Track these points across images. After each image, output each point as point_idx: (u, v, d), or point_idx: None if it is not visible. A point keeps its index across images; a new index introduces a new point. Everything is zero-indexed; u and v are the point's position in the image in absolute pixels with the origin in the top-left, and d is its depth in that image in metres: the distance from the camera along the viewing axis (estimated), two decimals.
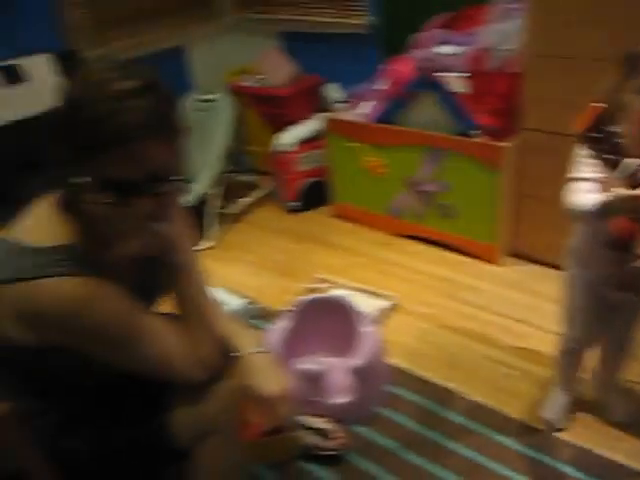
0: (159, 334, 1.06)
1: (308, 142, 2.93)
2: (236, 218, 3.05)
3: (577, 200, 1.24)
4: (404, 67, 2.51)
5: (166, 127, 0.93)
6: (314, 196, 3.04)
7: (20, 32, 2.42)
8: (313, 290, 2.34)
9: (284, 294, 2.33)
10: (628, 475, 1.54)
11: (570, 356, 1.63)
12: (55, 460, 1.13)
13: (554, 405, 1.71)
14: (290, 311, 1.91)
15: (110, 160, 0.87)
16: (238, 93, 3.07)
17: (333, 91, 3.09)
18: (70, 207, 0.98)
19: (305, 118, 3.01)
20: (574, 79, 1.99)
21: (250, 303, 2.31)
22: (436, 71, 2.38)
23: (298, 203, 3.04)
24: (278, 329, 1.85)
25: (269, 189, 3.22)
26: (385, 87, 2.60)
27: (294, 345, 1.84)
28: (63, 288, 0.93)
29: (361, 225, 2.88)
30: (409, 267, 2.53)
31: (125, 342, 1.02)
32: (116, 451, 1.13)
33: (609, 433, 1.66)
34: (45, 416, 1.14)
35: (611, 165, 1.18)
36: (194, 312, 1.12)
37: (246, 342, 1.18)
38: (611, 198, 1.17)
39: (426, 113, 2.39)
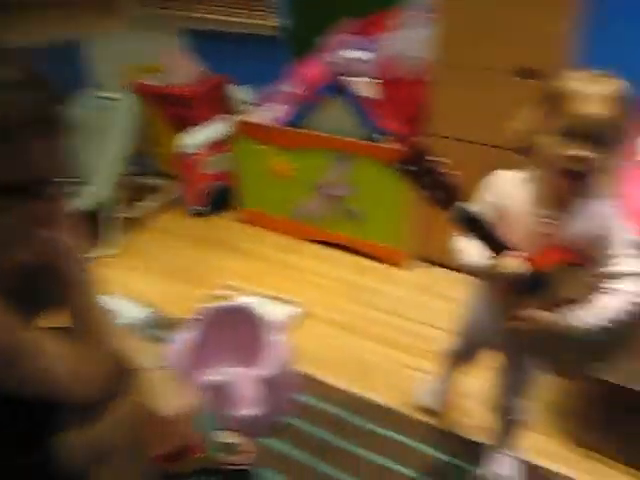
0: (44, 350, 0.96)
1: (214, 144, 2.83)
2: (139, 223, 2.89)
3: (459, 248, 1.21)
4: (314, 70, 2.49)
5: (53, 125, 0.85)
6: (221, 200, 2.95)
7: None
8: (220, 298, 2.26)
9: (189, 302, 2.22)
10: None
11: (454, 357, 1.63)
12: None
13: (431, 391, 1.78)
14: (195, 320, 1.82)
15: None
16: (141, 92, 2.91)
17: (241, 92, 3.02)
18: None
19: (211, 120, 2.92)
20: (480, 90, 2.07)
21: (153, 312, 2.19)
22: (345, 75, 2.38)
23: (204, 207, 2.94)
24: (182, 339, 1.76)
25: (175, 193, 3.09)
26: (295, 90, 2.57)
27: (199, 356, 1.75)
28: None
29: (269, 230, 2.83)
30: (318, 273, 2.51)
31: (5, 359, 0.91)
32: None
33: None
34: None
35: (439, 204, 1.05)
36: (85, 326, 1.02)
37: (144, 358, 1.09)
38: (471, 263, 1.16)
39: (335, 117, 2.39)
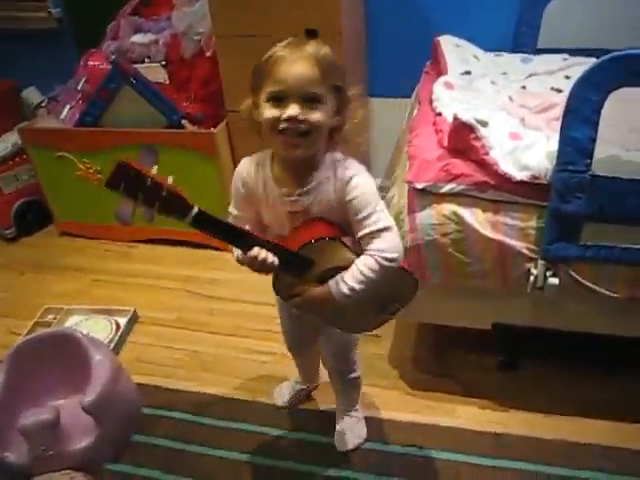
0: None
1: (8, 159, 2.54)
2: None
3: (234, 254, 1.16)
4: (98, 61, 2.30)
5: None
6: (31, 218, 2.68)
7: None
8: (42, 325, 2.05)
9: (8, 338, 2.00)
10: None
11: (292, 348, 1.58)
12: None
13: (282, 390, 1.73)
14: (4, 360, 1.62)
15: None
16: None
17: (32, 96, 2.74)
18: None
19: (1, 131, 2.61)
20: (259, 56, 2.01)
21: None
22: (131, 62, 2.22)
23: (12, 230, 2.64)
24: None
25: None
26: (83, 86, 2.36)
27: (15, 397, 1.57)
28: None
29: (92, 240, 2.62)
30: (150, 274, 2.36)
31: None
32: None
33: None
34: None
35: (169, 214, 0.99)
36: None
37: None
38: (238, 257, 1.14)
39: (130, 108, 2.22)
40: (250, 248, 1.05)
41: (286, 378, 1.77)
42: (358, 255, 1.11)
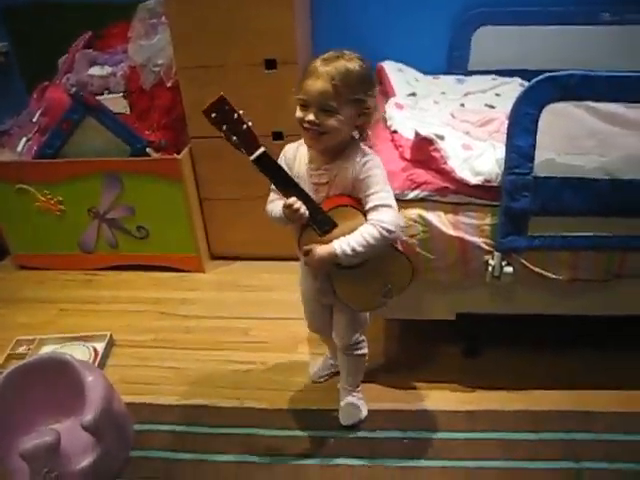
0: None
1: None
2: None
3: (267, 208, 1.44)
4: (56, 94, 2.34)
5: None
6: None
7: None
8: (16, 357, 2.05)
9: None
10: None
11: (315, 331, 1.79)
12: None
13: (317, 361, 1.93)
14: None
15: None
16: None
17: None
18: None
19: None
20: (221, 85, 2.14)
21: None
22: (91, 94, 2.29)
23: None
24: None
25: None
26: (39, 118, 2.39)
27: (12, 424, 1.60)
28: None
29: (54, 270, 2.61)
30: (119, 299, 2.40)
31: None
32: None
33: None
34: None
35: (241, 149, 1.24)
36: None
37: None
38: (274, 215, 1.40)
39: (93, 139, 2.28)
40: (291, 196, 1.29)
41: (270, 383, 1.89)
42: None
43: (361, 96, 1.29)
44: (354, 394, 1.74)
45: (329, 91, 1.24)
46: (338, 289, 1.46)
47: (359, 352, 1.65)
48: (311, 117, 1.26)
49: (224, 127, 1.22)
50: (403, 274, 1.43)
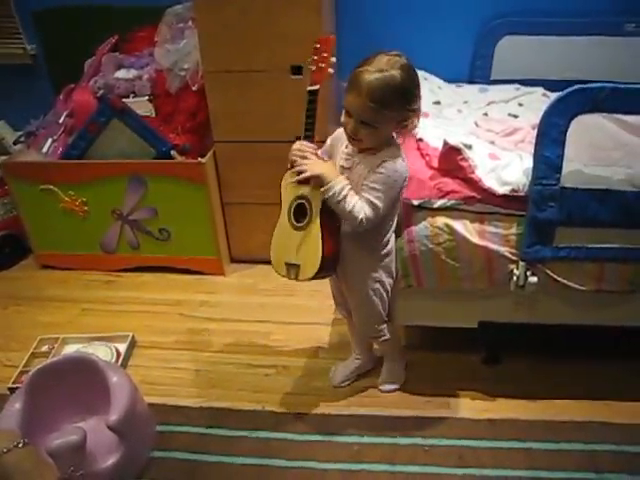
0: None
1: None
2: None
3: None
4: (84, 97, 2.38)
5: None
6: (10, 251, 2.68)
7: None
8: (39, 356, 2.08)
9: (3, 371, 2.02)
10: None
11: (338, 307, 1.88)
12: None
13: (338, 366, 1.96)
14: (18, 388, 1.66)
15: None
16: None
17: (4, 131, 2.76)
18: None
19: None
20: (247, 90, 2.18)
21: None
22: (118, 97, 2.32)
23: None
24: (11, 413, 1.60)
25: None
26: (66, 120, 2.43)
27: (38, 422, 1.62)
28: None
29: (75, 270, 2.64)
30: (140, 300, 2.43)
31: None
32: None
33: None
34: None
35: None
36: None
37: None
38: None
39: (119, 141, 2.31)
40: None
41: (291, 388, 1.91)
42: None
43: (401, 111, 1.37)
44: (391, 361, 1.90)
45: (367, 109, 1.33)
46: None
47: (381, 339, 1.77)
48: (350, 127, 1.39)
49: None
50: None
